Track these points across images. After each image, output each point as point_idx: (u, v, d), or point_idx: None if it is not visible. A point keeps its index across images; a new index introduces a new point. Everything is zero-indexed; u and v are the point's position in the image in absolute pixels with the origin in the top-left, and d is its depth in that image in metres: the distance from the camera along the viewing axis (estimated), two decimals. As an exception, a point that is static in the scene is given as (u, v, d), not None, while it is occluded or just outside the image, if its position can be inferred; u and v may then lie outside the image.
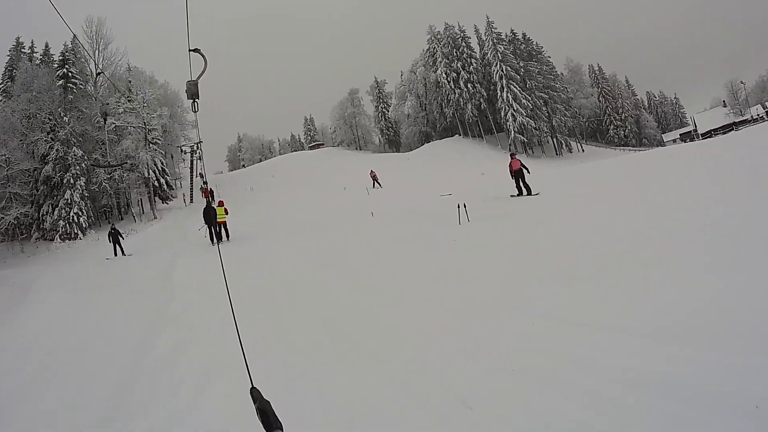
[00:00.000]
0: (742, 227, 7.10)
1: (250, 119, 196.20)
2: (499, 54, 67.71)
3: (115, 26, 54.91)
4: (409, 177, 37.89)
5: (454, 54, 72.01)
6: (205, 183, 25.37)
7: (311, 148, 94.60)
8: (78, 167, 35.23)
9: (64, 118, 35.48)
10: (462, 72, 70.84)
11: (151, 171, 40.97)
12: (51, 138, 35.10)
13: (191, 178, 48.08)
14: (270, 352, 6.23)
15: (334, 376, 5.29)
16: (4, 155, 32.19)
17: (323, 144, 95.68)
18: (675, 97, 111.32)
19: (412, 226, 15.32)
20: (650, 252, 7.08)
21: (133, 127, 40.45)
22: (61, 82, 38.23)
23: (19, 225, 33.75)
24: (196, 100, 5.21)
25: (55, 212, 33.73)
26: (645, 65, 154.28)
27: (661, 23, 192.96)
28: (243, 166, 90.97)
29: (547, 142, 69.90)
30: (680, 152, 23.02)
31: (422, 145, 73.22)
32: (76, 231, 33.63)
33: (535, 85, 69.75)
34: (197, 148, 46.43)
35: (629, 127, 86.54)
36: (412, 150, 72.05)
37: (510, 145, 64.61)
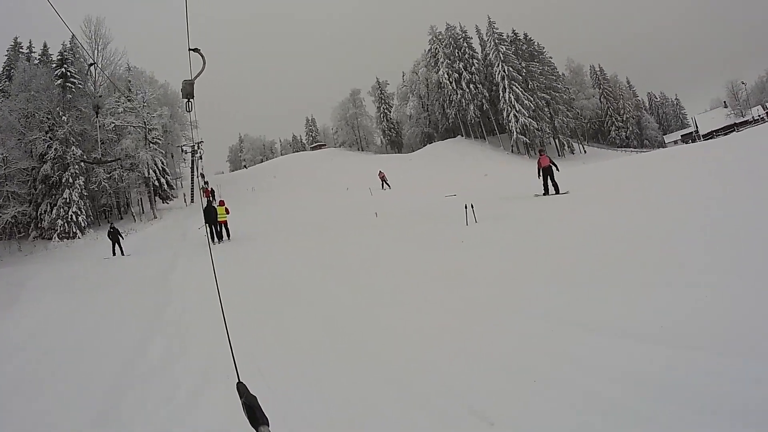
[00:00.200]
0: (742, 228, 7.11)
1: (251, 120, 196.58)
2: (501, 54, 67.61)
3: (115, 27, 55.05)
4: (411, 178, 37.87)
5: (456, 54, 71.92)
6: (206, 183, 24.92)
7: (313, 148, 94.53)
8: (77, 166, 35.35)
9: (63, 117, 35.64)
10: (464, 72, 70.75)
11: (151, 170, 41.01)
12: (49, 137, 35.22)
13: (192, 178, 47.96)
14: (270, 352, 6.26)
15: (334, 375, 5.26)
16: (2, 154, 32.19)
17: (325, 145, 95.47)
18: (676, 98, 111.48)
19: (417, 227, 15.19)
20: (653, 252, 7.04)
21: (133, 127, 40.51)
22: (59, 82, 38.30)
23: (17, 224, 33.86)
24: (191, 99, 5.22)
25: (54, 211, 33.87)
26: (645, 66, 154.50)
27: (660, 23, 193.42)
28: (245, 166, 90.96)
29: (549, 143, 69.48)
30: (682, 153, 23.02)
31: (424, 146, 73.12)
32: (74, 230, 33.75)
33: (537, 86, 69.80)
34: (198, 147, 46.70)
35: (631, 129, 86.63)
36: (414, 151, 71.99)
37: (513, 144, 64.92)
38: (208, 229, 19.37)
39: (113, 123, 39.13)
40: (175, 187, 48.83)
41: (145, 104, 41.97)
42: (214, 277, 3.76)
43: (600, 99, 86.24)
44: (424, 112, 77.98)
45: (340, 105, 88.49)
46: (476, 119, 70.88)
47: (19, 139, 34.23)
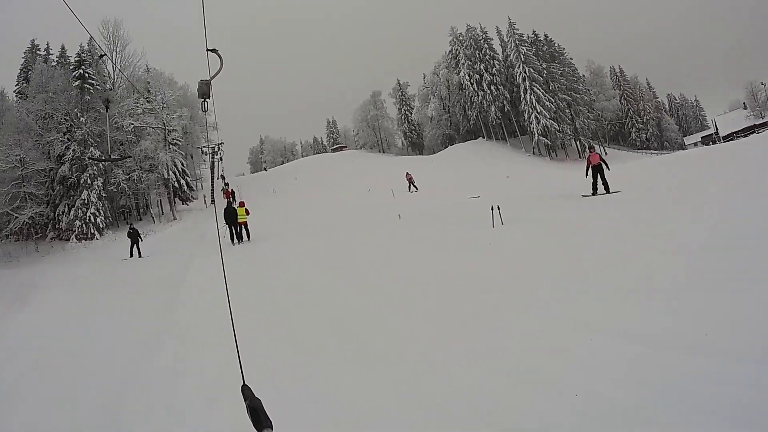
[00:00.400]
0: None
1: (272, 121, 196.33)
2: (522, 55, 65.32)
3: (135, 29, 53.93)
4: (433, 179, 36.53)
5: (477, 56, 69.76)
6: (226, 184, 25.91)
7: (334, 150, 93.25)
8: (95, 167, 34.49)
9: (81, 118, 34.73)
10: (485, 74, 68.60)
11: (170, 172, 40.23)
12: (67, 138, 34.36)
13: (212, 179, 46.54)
14: (279, 353, 6.23)
15: (341, 376, 5.24)
16: (19, 155, 31.70)
17: (346, 146, 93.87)
18: (695, 100, 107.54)
19: (443, 229, 14.35)
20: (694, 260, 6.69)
21: (152, 128, 39.57)
22: (77, 83, 37.47)
23: (34, 225, 33.30)
24: (207, 99, 4.84)
25: (71, 212, 33.17)
26: (664, 67, 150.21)
27: (678, 23, 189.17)
28: (264, 168, 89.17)
29: (570, 144, 67.42)
30: (720, 151, 22.82)
31: (445, 147, 71.20)
32: (92, 231, 33.06)
33: (558, 87, 67.24)
34: (218, 149, 45.34)
35: (651, 130, 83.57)
36: (435, 153, 70.27)
37: (534, 145, 63.06)
38: (227, 230, 19.35)
39: (132, 124, 38.19)
40: (195, 188, 48.17)
41: (165, 105, 41.24)
42: (224, 278, 3.57)
43: (620, 100, 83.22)
44: (445, 114, 75.86)
45: (361, 107, 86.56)
46: (497, 121, 68.73)
47: (36, 141, 33.68)
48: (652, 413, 3.41)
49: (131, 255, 21.72)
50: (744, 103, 77.07)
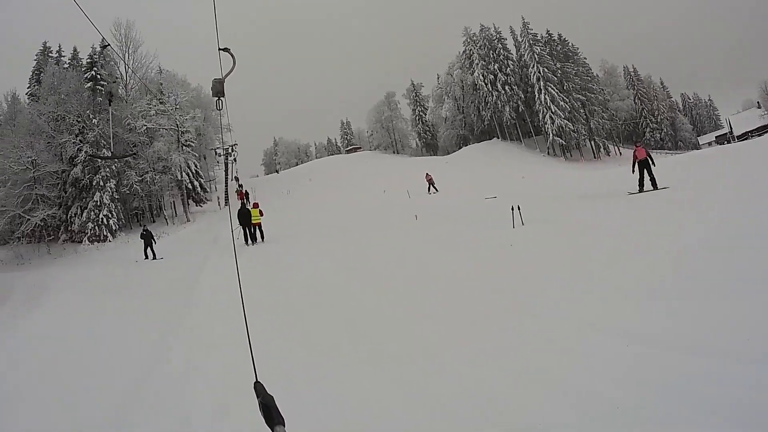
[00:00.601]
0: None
1: (286, 123, 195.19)
2: (536, 55, 63.49)
3: (150, 33, 53.38)
4: (449, 180, 35.35)
5: (491, 56, 67.86)
6: (240, 185, 24.05)
7: (348, 151, 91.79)
8: (108, 169, 33.76)
9: (93, 120, 33.87)
10: (499, 74, 66.69)
11: (184, 173, 39.36)
12: (80, 140, 33.61)
13: (226, 181, 45.42)
14: (293, 354, 6.16)
15: (352, 377, 5.20)
16: (31, 157, 31.09)
17: (360, 148, 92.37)
18: (709, 99, 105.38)
19: (461, 230, 14.14)
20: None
21: (165, 129, 38.59)
22: (89, 85, 36.75)
23: (46, 227, 32.66)
24: (222, 98, 4.86)
25: (84, 214, 32.59)
26: (677, 66, 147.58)
27: (690, 22, 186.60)
28: (276, 171, 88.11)
29: (585, 145, 65.46)
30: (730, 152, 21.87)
31: (460, 148, 69.53)
32: (105, 233, 32.44)
33: (572, 87, 65.24)
34: (232, 150, 44.45)
35: (665, 130, 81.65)
36: (449, 153, 68.58)
37: (549, 146, 61.80)
38: (241, 231, 19.19)
39: (145, 125, 37.22)
40: (208, 190, 47.07)
41: (177, 107, 40.30)
42: (238, 279, 3.52)
43: (634, 100, 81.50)
44: (459, 115, 73.98)
45: (375, 108, 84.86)
46: (512, 121, 66.91)
47: (48, 143, 33.09)
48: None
49: (146, 257, 21.23)
50: (758, 102, 75.96)
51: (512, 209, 12.51)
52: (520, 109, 66.58)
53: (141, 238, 22.10)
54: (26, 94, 41.05)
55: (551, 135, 61.17)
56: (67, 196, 33.71)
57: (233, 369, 5.46)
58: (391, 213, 22.91)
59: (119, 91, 39.58)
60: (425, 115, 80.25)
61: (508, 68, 67.29)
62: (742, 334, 4.21)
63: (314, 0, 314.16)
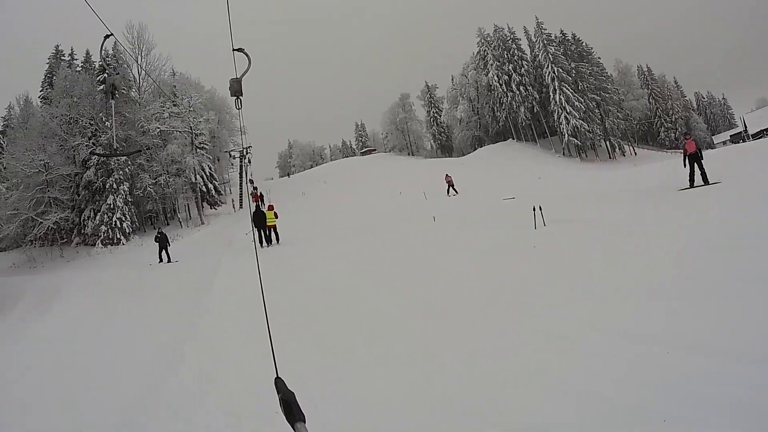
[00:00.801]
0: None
1: (300, 126, 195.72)
2: (550, 55, 61.94)
3: (162, 35, 52.92)
4: (465, 181, 34.21)
5: (505, 56, 66.39)
6: (255, 188, 24.76)
7: (363, 153, 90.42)
8: (121, 172, 32.93)
9: (106, 123, 32.95)
10: (513, 74, 65.25)
11: (198, 176, 38.57)
12: (92, 143, 32.83)
13: (240, 183, 44.83)
14: (307, 357, 5.92)
15: (362, 379, 5.13)
16: (43, 160, 30.42)
17: (375, 150, 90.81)
18: (723, 98, 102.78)
19: (482, 231, 13.54)
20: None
21: (179, 132, 37.74)
22: (101, 87, 35.78)
23: (59, 230, 32.04)
24: (240, 97, 4.81)
25: (97, 217, 31.86)
26: (691, 65, 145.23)
27: (703, 21, 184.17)
28: (288, 174, 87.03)
29: (600, 145, 63.76)
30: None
31: (475, 149, 68.15)
32: (118, 236, 31.69)
33: (587, 87, 63.71)
34: (246, 152, 43.46)
35: (680, 129, 79.62)
36: (464, 155, 67.15)
37: (564, 146, 60.29)
38: (256, 233, 18.66)
39: (158, 128, 36.39)
40: (223, 192, 46.28)
41: (191, 109, 39.44)
42: (260, 281, 3.23)
43: (648, 100, 79.40)
44: (474, 116, 72.49)
45: (389, 110, 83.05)
46: (527, 122, 65.41)
47: (61, 145, 32.43)
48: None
49: (160, 260, 20.71)
50: (773, 101, 74.22)
51: (534, 210, 11.86)
52: (535, 110, 65.15)
53: (156, 241, 21.57)
54: (39, 97, 40.75)
55: (566, 135, 59.68)
56: (80, 199, 33.05)
57: (248, 377, 5.47)
58: (407, 215, 22.24)
59: (132, 93, 39.02)
60: (440, 116, 78.90)
61: (523, 68, 65.89)
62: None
63: (329, 3, 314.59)
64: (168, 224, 37.38)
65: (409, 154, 78.83)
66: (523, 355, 4.89)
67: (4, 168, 32.77)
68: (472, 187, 33.78)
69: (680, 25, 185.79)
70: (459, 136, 74.41)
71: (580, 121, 59.64)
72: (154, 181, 35.96)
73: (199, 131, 39.51)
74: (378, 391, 4.79)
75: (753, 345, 3.93)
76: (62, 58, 42.90)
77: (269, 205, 20.83)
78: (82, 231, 32.33)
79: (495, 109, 68.52)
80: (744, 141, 59.33)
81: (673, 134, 78.94)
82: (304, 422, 1.39)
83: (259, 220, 18.63)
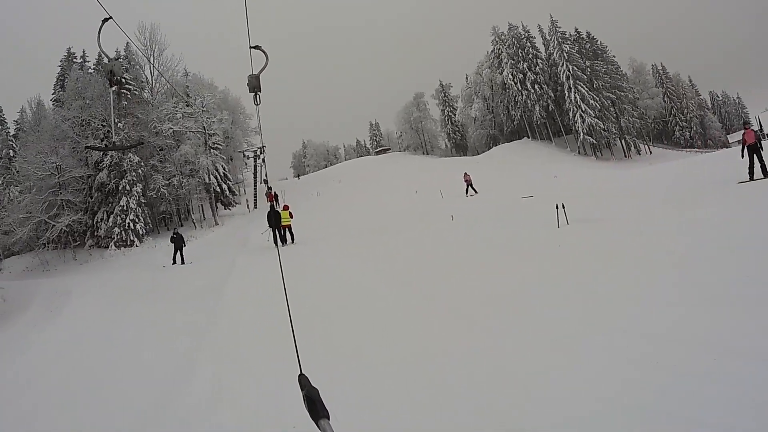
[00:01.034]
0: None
1: (315, 126, 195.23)
2: (565, 54, 60.13)
3: (176, 36, 52.34)
4: (481, 180, 32.86)
5: (520, 54, 64.70)
6: (269, 187, 24.19)
7: (377, 153, 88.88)
8: (134, 174, 31.93)
9: (119, 124, 32.01)
10: (528, 73, 63.51)
11: (212, 176, 37.55)
12: (105, 145, 31.81)
13: (255, 184, 43.89)
14: (316, 357, 5.05)
15: (371, 380, 5.12)
16: (55, 162, 29.51)
17: (389, 149, 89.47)
18: (737, 97, 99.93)
19: (502, 231, 13.34)
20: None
21: (192, 132, 36.77)
22: (114, 89, 34.72)
23: (72, 232, 31.00)
24: (258, 93, 4.74)
25: (110, 219, 30.82)
26: (705, 63, 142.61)
27: (717, 20, 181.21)
28: (297, 176, 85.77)
29: (615, 143, 61.95)
30: None
31: (490, 148, 66.74)
32: (132, 238, 30.63)
33: (602, 85, 61.77)
34: (261, 152, 42.53)
35: (694, 128, 77.78)
36: (478, 154, 65.85)
37: (579, 145, 58.57)
38: (272, 233, 18.17)
39: (171, 128, 35.40)
40: (237, 193, 45.21)
41: (204, 109, 38.38)
42: (282, 279, 3.20)
43: (663, 98, 77.71)
44: (488, 114, 70.88)
45: (403, 109, 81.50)
46: (542, 120, 63.70)
47: (73, 148, 31.44)
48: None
49: (174, 261, 20.14)
50: (789, 100, 72.38)
51: (557, 208, 11.65)
52: (550, 108, 63.41)
53: (171, 242, 21.00)
54: (51, 99, 40.18)
55: (582, 134, 57.89)
56: (93, 201, 32.16)
57: (263, 386, 5.36)
58: (423, 214, 21.89)
59: (145, 94, 38.13)
60: (454, 115, 77.14)
61: (537, 67, 64.05)
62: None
63: (343, 3, 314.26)
64: (182, 225, 36.49)
65: (423, 153, 77.39)
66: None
67: (17, 172, 31.96)
68: (487, 186, 32.85)
69: (692, 23, 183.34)
70: (474, 135, 72.82)
71: (596, 120, 57.85)
72: (167, 182, 35.03)
73: (212, 131, 38.54)
74: (385, 390, 4.77)
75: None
76: (74, 60, 42.16)
77: (284, 205, 20.86)
78: (95, 233, 31.46)
79: (510, 107, 66.88)
80: (760, 140, 57.96)
81: (688, 133, 77.54)
82: (329, 419, 1.36)
83: (273, 219, 18.21)
